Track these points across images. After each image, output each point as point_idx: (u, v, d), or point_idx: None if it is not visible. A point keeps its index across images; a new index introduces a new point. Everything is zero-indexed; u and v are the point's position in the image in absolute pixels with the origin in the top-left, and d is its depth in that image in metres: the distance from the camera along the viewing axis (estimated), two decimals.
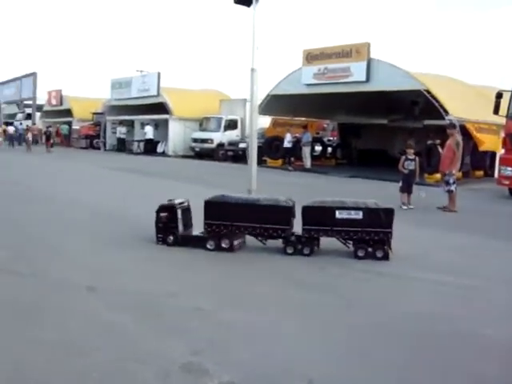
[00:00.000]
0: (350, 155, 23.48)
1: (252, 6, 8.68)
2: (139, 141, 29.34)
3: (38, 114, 42.08)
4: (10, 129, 37.78)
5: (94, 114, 35.24)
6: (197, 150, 25.70)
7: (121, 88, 31.36)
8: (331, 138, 25.56)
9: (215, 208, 6.17)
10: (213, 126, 25.51)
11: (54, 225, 7.61)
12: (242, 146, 22.46)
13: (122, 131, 31.19)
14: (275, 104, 20.82)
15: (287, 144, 19.89)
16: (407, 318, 4.03)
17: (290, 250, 5.87)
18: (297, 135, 20.45)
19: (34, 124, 37.14)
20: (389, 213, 5.86)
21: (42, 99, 41.64)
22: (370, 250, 5.76)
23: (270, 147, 20.95)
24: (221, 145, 24.42)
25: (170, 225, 6.15)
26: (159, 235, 6.17)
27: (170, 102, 27.29)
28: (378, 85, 17.49)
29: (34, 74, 40.35)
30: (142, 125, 29.87)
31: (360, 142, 23.48)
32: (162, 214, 6.19)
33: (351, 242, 5.92)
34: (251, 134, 9.19)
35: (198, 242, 6.08)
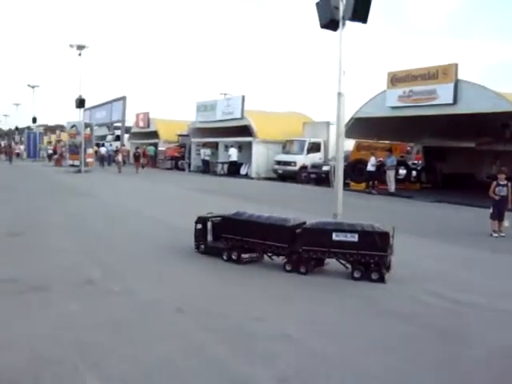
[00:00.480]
0: (435, 179, 23.91)
1: (338, 31, 9.04)
2: (223, 163, 31.44)
3: (126, 136, 45.98)
4: (102, 150, 41.80)
5: (180, 135, 38.17)
6: (279, 172, 27.34)
7: (206, 111, 33.80)
8: (416, 162, 26.00)
9: (230, 224, 7.28)
10: (296, 149, 27.09)
11: (140, 242, 8.52)
12: (325, 168, 23.66)
13: (206, 153, 33.42)
14: (359, 127, 21.31)
15: (371, 167, 20.69)
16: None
17: (288, 267, 6.54)
18: (381, 159, 21.20)
19: (123, 145, 40.68)
20: (384, 236, 6.16)
21: (130, 121, 45.58)
22: (365, 271, 6.19)
23: (354, 170, 21.69)
24: (304, 167, 25.84)
25: (202, 235, 7.52)
26: (195, 243, 7.56)
27: (254, 124, 29.08)
28: (466, 107, 17.67)
29: (123, 98, 44.31)
30: (226, 147, 31.90)
31: (446, 165, 23.87)
32: (198, 226, 7.58)
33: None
34: (337, 158, 9.57)
35: (218, 253, 7.22)
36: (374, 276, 6.16)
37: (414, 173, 24.49)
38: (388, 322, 4.85)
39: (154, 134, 41.69)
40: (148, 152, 40.03)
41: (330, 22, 9.00)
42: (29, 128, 59.10)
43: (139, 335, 4.24)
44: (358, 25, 9.00)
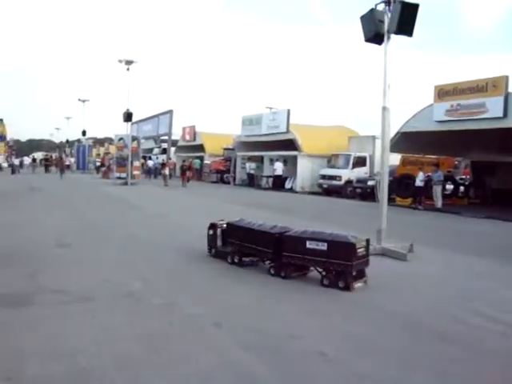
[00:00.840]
0: (483, 194, 23.61)
1: (383, 44, 9.19)
2: (268, 176, 32.01)
3: (172, 149, 47.33)
4: (150, 163, 43.32)
5: (225, 149, 39.06)
6: (324, 186, 27.61)
7: (251, 124, 34.50)
8: (463, 177, 25.71)
9: (232, 229, 8.13)
10: (341, 163, 27.34)
11: (182, 255, 8.66)
12: (370, 183, 23.83)
13: (251, 167, 34.18)
14: (405, 141, 21.45)
15: (419, 183, 20.60)
16: None
17: (272, 271, 7.18)
18: (429, 174, 21.15)
19: (169, 159, 41.93)
20: (349, 247, 6.53)
21: (176, 135, 46.92)
22: (333, 279, 6.60)
23: (400, 185, 21.71)
24: (349, 182, 26.04)
25: (213, 240, 8.38)
26: (208, 247, 8.48)
27: (299, 138, 29.52)
28: None
29: (170, 112, 45.74)
30: (271, 161, 32.46)
31: (495, 180, 23.46)
32: (210, 232, 8.45)
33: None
34: (383, 172, 9.66)
35: (224, 257, 8.03)
36: (341, 284, 6.53)
37: (461, 188, 24.21)
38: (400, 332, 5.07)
39: (200, 148, 42.75)
40: (194, 165, 41.12)
41: (375, 36, 9.19)
42: (79, 141, 61.69)
43: (177, 349, 4.33)
44: (403, 38, 9.20)
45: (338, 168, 27.15)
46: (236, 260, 7.87)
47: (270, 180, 31.25)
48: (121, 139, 33.55)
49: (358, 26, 9.56)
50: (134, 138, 34.07)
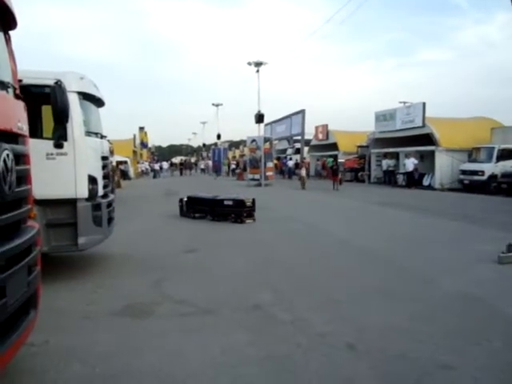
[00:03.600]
0: None
1: None
2: (404, 173, 31.08)
3: (306, 149, 47.89)
4: (290, 163, 44.66)
5: (359, 147, 38.70)
6: (466, 182, 26.20)
7: (385, 120, 33.76)
8: None
9: (191, 200, 15.25)
10: (484, 157, 25.76)
11: (323, 266, 8.17)
12: None
13: (388, 164, 33.46)
14: None
15: None
16: None
17: (210, 218, 14.32)
18: None
19: (304, 158, 42.56)
20: (242, 202, 13.83)
21: (309, 134, 47.35)
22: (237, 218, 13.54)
23: None
24: (493, 176, 24.46)
25: (181, 207, 15.38)
26: (180, 212, 15.30)
27: (437, 132, 28.32)
28: None
29: (302, 111, 46.20)
30: (406, 156, 31.50)
31: None
32: (179, 203, 15.50)
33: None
34: None
35: (188, 215, 14.94)
36: (239, 220, 13.53)
37: None
38: None
39: (334, 146, 42.80)
40: (327, 164, 41.26)
41: None
42: (215, 144, 65.03)
43: (300, 377, 3.98)
44: None
45: (481, 162, 25.60)
46: (193, 216, 14.71)
47: (406, 177, 30.25)
48: (253, 141, 34.68)
49: None
50: (266, 139, 35.01)
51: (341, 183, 27.85)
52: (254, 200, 13.78)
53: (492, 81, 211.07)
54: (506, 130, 26.73)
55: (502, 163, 24.66)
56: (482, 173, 25.03)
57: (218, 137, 62.09)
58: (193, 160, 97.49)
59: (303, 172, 30.05)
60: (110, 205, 8.16)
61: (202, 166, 64.00)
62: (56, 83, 6.63)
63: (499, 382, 3.88)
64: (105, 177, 8.08)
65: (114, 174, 26.03)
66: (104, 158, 8.20)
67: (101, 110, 8.65)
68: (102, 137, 8.43)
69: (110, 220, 8.21)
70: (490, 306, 5.78)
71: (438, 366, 4.10)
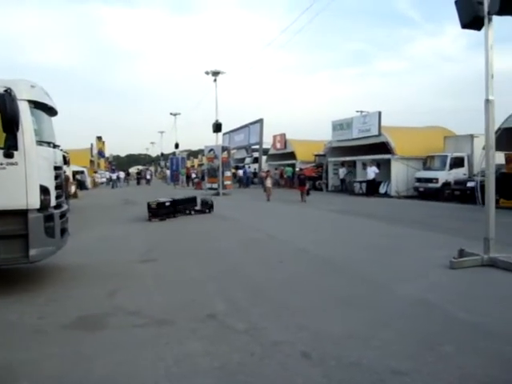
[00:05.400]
0: None
1: (483, 29, 8.33)
2: (361, 181, 31.62)
3: (264, 158, 48.20)
4: (239, 172, 44.72)
5: (316, 155, 39.23)
6: (421, 189, 26.90)
7: (342, 129, 34.30)
8: None
9: (152, 206, 17.27)
10: (437, 165, 26.52)
11: (281, 275, 8.10)
12: (469, 185, 22.80)
13: (344, 172, 34.11)
14: (508, 138, 20.49)
15: None
16: None
17: (172, 216, 17.59)
18: None
19: (268, 170, 42.76)
20: (193, 199, 19.84)
21: (267, 143, 47.77)
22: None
23: (504, 186, 20.52)
24: (446, 184, 25.19)
25: (158, 211, 17.19)
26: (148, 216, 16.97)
27: (392, 141, 28.95)
28: None
29: (260, 121, 46.67)
30: (364, 165, 32.08)
31: None
32: (148, 208, 17.24)
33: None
34: (488, 173, 8.68)
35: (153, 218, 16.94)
36: (198, 213, 18.84)
37: None
38: None
39: (291, 155, 43.19)
40: (285, 173, 41.59)
41: (474, 20, 8.30)
42: (174, 154, 64.65)
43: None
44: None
45: (435, 170, 26.37)
46: (157, 219, 16.74)
47: (364, 185, 30.82)
48: (211, 150, 34.64)
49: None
50: (224, 149, 35.02)
51: (308, 194, 25.92)
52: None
53: (446, 91, 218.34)
54: (458, 138, 27.61)
55: (454, 171, 25.50)
56: (436, 180, 25.75)
57: (176, 146, 61.78)
58: (152, 169, 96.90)
59: (269, 182, 27.67)
60: (63, 215, 7.99)
61: (148, 177, 63.53)
62: (5, 91, 6.50)
63: None
64: (58, 187, 7.89)
65: (69, 183, 25.65)
66: (57, 168, 8.03)
67: (57, 118, 8.49)
68: (55, 146, 8.26)
69: (64, 231, 8.05)
70: (442, 311, 5.90)
71: (391, 372, 4.14)
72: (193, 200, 19.73)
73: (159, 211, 17.10)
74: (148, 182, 61.46)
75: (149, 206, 17.18)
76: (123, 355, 4.61)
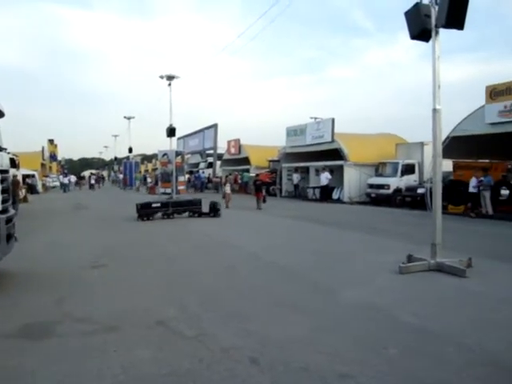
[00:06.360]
0: None
1: (431, 41, 8.66)
2: (314, 187, 32.04)
3: (218, 163, 48.17)
4: (192, 177, 44.83)
5: (270, 161, 39.52)
6: (373, 195, 27.50)
7: (296, 135, 34.71)
8: None
9: (140, 206, 18.39)
10: (389, 171, 27.20)
11: (231, 281, 8.18)
12: (420, 191, 23.44)
13: (298, 178, 34.56)
14: (456, 146, 21.06)
15: (472, 189, 20.16)
16: None
17: (165, 216, 18.76)
18: (482, 178, 20.58)
19: (215, 173, 42.69)
20: (198, 201, 20.01)
21: (222, 148, 47.77)
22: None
23: (452, 192, 21.21)
24: (398, 190, 25.83)
25: (144, 211, 18.35)
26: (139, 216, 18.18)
27: (345, 147, 29.51)
28: None
29: (215, 126, 46.53)
30: (317, 171, 32.53)
31: None
32: (141, 209, 18.31)
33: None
34: (435, 180, 8.96)
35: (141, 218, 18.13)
36: (196, 215, 19.46)
37: None
38: None
39: (245, 161, 43.35)
40: (242, 179, 41.55)
41: (422, 32, 8.69)
42: (128, 158, 63.81)
43: None
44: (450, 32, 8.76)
45: (386, 176, 27.04)
46: (145, 218, 18.02)
47: (317, 191, 31.22)
48: (165, 155, 34.38)
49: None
50: (178, 153, 34.80)
51: (264, 201, 24.81)
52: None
53: (399, 99, 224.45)
54: (410, 146, 28.40)
55: (406, 177, 26.23)
56: (388, 186, 26.39)
57: (130, 150, 61.02)
58: (104, 174, 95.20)
59: (228, 188, 26.45)
60: (9, 220, 7.71)
61: (92, 181, 62.02)
62: None
63: None
64: (4, 191, 7.65)
65: (19, 187, 24.96)
66: (3, 172, 7.78)
67: (5, 120, 8.24)
68: (1, 149, 8.01)
69: (10, 236, 7.76)
70: (389, 315, 6.03)
71: (337, 375, 4.22)
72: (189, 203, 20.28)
73: (147, 211, 18.38)
74: (91, 186, 59.15)
75: (137, 206, 18.40)
76: (69, 365, 4.50)
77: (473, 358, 4.65)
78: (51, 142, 62.27)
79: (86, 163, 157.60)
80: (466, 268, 8.38)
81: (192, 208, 19.68)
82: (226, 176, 38.13)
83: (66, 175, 59.00)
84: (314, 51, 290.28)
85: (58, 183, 59.23)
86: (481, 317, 6.02)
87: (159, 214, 18.87)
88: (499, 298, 6.90)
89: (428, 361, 4.57)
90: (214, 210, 19.40)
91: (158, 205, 19.14)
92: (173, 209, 19.22)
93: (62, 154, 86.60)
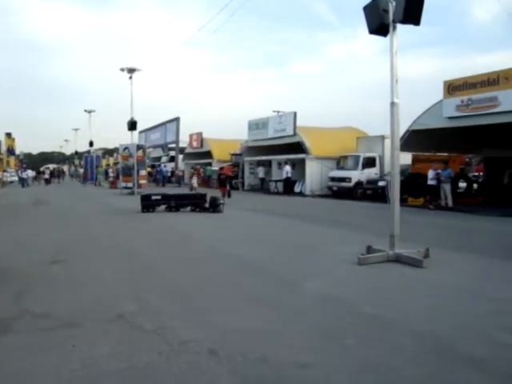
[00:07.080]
0: (499, 192, 23.48)
1: (389, 36, 8.79)
2: (277, 181, 32.24)
3: (180, 157, 47.86)
4: (154, 171, 44.48)
5: (233, 155, 39.51)
6: (334, 189, 27.85)
7: (258, 129, 34.82)
8: (476, 174, 25.58)
9: (144, 197, 19.09)
10: (350, 164, 27.59)
11: (192, 274, 8.10)
12: (381, 184, 23.92)
13: (262, 171, 34.81)
14: (415, 140, 21.43)
15: (431, 181, 20.72)
16: None
17: (168, 210, 18.74)
18: (439, 171, 21.10)
19: (177, 167, 42.36)
20: (203, 196, 19.33)
21: (184, 142, 47.48)
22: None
23: (411, 185, 21.69)
24: (359, 183, 26.27)
25: (152, 202, 18.73)
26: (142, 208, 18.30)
27: (307, 141, 29.79)
28: None
29: (177, 119, 46.25)
30: (279, 165, 32.72)
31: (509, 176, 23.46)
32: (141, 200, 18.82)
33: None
34: (393, 173, 9.05)
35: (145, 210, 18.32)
36: (202, 210, 18.60)
37: (475, 186, 24.14)
38: None
39: (208, 154, 43.24)
40: (206, 172, 41.33)
41: (380, 27, 8.81)
42: (88, 152, 62.72)
43: None
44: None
45: (348, 169, 27.42)
46: (151, 210, 18.37)
47: (279, 184, 31.42)
48: (126, 148, 33.88)
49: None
50: (139, 147, 34.35)
51: (229, 195, 24.98)
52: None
53: (360, 93, 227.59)
54: (370, 139, 28.86)
55: (367, 170, 26.65)
56: (349, 180, 26.78)
57: (91, 144, 59.96)
58: (65, 168, 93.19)
59: (195, 182, 27.66)
60: None
61: (47, 176, 60.21)
62: None
63: (347, 376, 4.15)
64: None
65: None
66: None
67: None
68: None
69: None
70: (346, 306, 6.13)
71: (296, 365, 4.26)
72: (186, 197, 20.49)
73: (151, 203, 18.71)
74: (47, 181, 56.16)
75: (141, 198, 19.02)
76: (27, 361, 4.42)
77: (427, 344, 4.79)
78: (9, 135, 60.64)
79: (45, 157, 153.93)
80: (423, 258, 8.60)
81: (196, 202, 19.10)
82: (195, 169, 37.90)
83: (25, 170, 57.47)
84: (277, 45, 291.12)
85: (16, 178, 57.65)
86: (436, 305, 6.20)
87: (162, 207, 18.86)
88: (454, 286, 7.15)
89: (384, 349, 4.67)
90: (214, 206, 18.59)
91: (159, 197, 19.25)
92: (175, 202, 18.91)
93: (20, 148, 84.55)
